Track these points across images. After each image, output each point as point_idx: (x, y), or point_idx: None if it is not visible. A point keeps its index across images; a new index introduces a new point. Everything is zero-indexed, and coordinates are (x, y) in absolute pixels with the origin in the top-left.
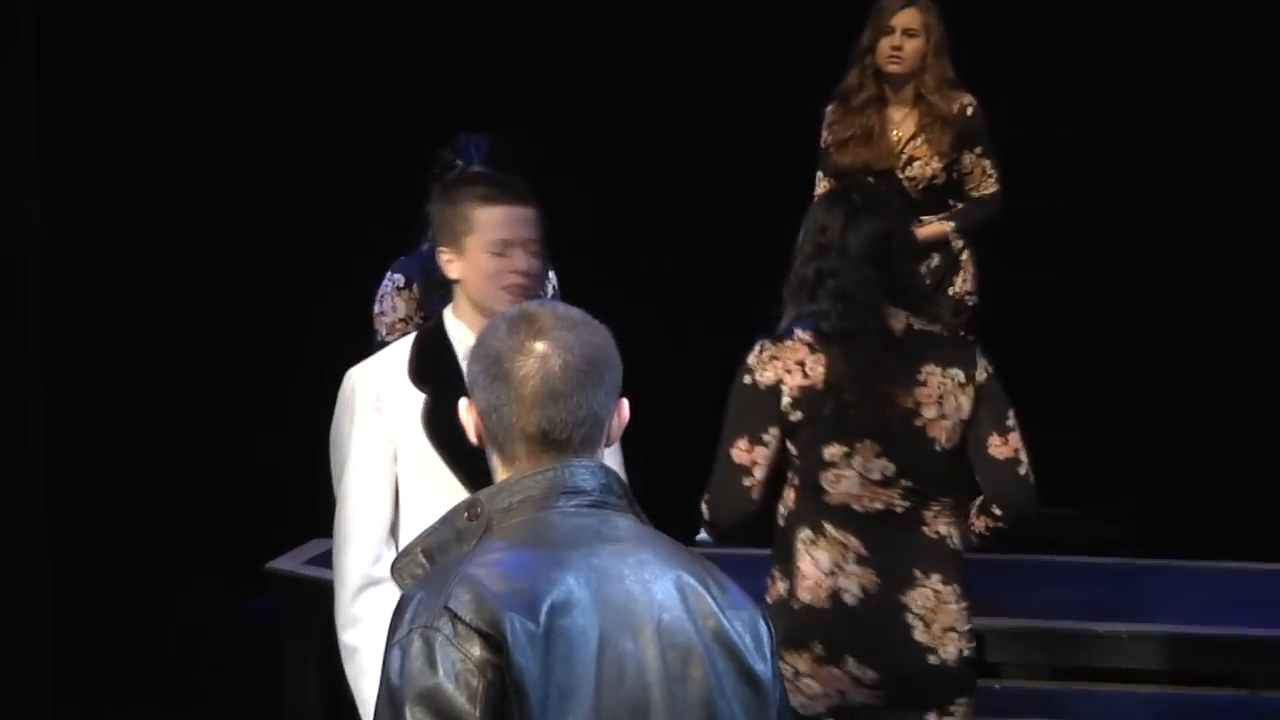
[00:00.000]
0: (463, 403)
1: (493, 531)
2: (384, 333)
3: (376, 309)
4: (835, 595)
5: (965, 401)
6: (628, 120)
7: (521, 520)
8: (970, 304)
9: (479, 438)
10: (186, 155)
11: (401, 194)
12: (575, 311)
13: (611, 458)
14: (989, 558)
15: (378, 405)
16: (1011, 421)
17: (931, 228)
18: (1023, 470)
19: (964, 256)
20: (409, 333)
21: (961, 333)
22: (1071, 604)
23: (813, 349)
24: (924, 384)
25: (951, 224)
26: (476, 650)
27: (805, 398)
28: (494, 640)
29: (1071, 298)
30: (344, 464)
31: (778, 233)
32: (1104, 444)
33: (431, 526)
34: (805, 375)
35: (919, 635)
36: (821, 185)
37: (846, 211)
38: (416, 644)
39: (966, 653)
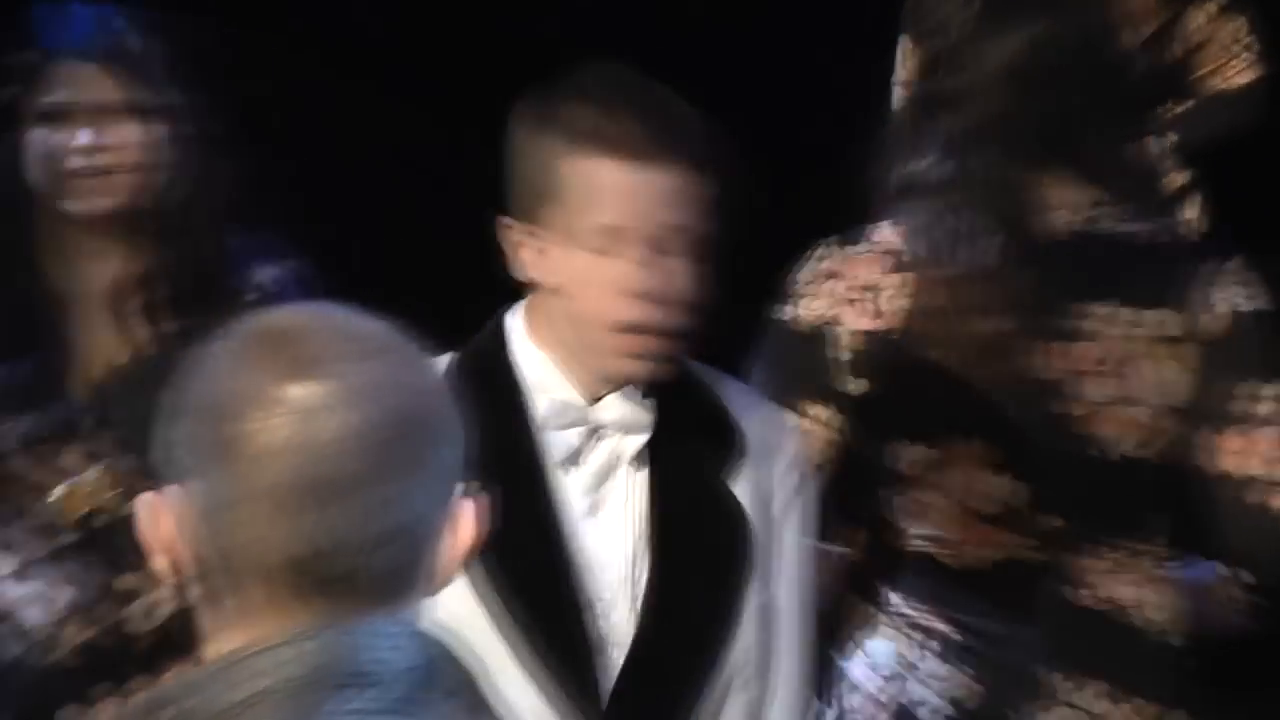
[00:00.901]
0: (145, 499)
1: None
2: None
3: None
4: (904, 714)
5: (1175, 372)
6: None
7: None
8: None
9: (178, 567)
10: None
11: None
12: (374, 327)
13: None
14: None
15: None
16: (1268, 406)
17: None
18: (1278, 499)
19: (1191, 198)
20: None
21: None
22: None
23: (899, 261)
24: (1089, 337)
25: (1170, 140)
26: None
27: (872, 352)
28: None
29: None
30: None
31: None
32: None
33: None
34: (877, 311)
35: None
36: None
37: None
38: None
39: None
